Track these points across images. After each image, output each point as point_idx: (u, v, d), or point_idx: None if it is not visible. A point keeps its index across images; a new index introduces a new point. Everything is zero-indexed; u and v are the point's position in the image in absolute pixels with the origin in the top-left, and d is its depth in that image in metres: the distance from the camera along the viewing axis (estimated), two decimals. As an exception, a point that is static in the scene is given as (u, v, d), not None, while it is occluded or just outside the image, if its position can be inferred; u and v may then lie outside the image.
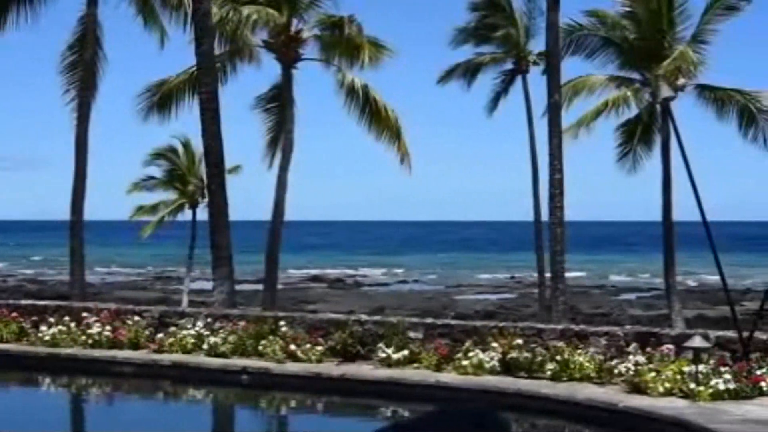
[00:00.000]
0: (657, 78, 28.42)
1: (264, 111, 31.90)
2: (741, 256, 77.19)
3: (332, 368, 16.27)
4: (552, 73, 25.86)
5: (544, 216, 28.37)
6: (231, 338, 17.69)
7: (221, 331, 18.07)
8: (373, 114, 30.85)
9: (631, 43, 30.58)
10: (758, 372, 13.41)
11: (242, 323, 18.21)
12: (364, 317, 18.58)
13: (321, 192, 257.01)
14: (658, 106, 29.30)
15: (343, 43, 29.52)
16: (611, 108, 31.31)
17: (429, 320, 18.24)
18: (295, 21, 29.66)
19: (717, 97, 30.56)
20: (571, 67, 32.75)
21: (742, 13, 30.37)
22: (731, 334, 14.92)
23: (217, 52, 26.52)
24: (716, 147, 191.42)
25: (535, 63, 35.58)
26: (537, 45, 34.65)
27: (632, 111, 31.30)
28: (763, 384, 13.14)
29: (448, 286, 70.64)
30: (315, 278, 74.20)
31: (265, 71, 30.98)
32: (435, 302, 56.66)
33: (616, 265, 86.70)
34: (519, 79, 36.43)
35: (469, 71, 36.84)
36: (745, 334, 14.51)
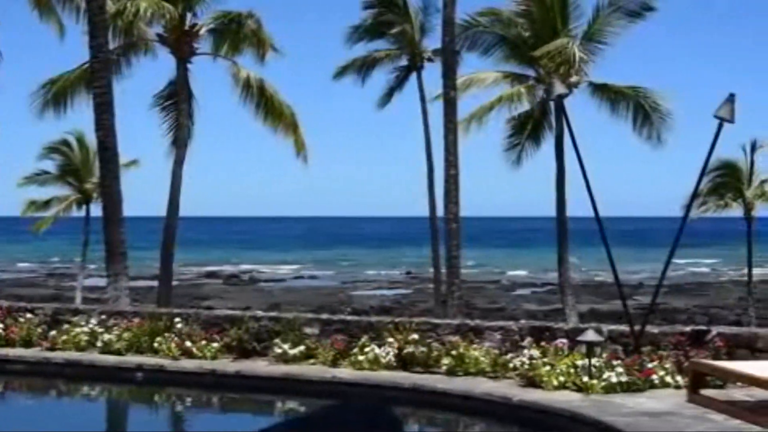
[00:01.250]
0: (549, 75, 28.75)
1: (163, 106, 31.56)
2: (634, 251, 78.38)
3: (228, 365, 16.18)
4: (447, 69, 25.99)
5: (440, 212, 28.51)
6: (125, 335, 17.49)
7: (115, 328, 17.85)
8: (269, 108, 30.74)
9: (526, 41, 30.87)
10: (649, 365, 13.62)
11: (137, 320, 17.99)
12: (260, 313, 18.49)
13: (219, 188, 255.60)
14: (551, 103, 29.62)
15: (239, 38, 29.37)
16: (504, 103, 31.58)
17: (325, 316, 18.22)
18: (189, 15, 29.43)
19: (611, 95, 30.99)
20: (468, 64, 33.00)
21: (645, 18, 30.83)
22: (623, 328, 15.14)
23: (112, 45, 26.23)
24: (610, 143, 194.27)
25: (429, 59, 35.75)
26: (432, 42, 34.84)
27: (525, 107, 31.62)
28: (654, 377, 13.35)
29: (344, 282, 70.72)
30: (210, 274, 73.79)
31: (169, 66, 30.65)
32: (331, 298, 56.70)
33: (511, 260, 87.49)
34: (414, 76, 36.59)
35: (364, 67, 36.89)
36: (637, 328, 14.73)
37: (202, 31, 29.56)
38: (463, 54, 31.87)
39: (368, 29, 36.29)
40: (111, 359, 16.94)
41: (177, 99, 30.23)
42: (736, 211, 40.86)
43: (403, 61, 36.85)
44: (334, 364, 15.69)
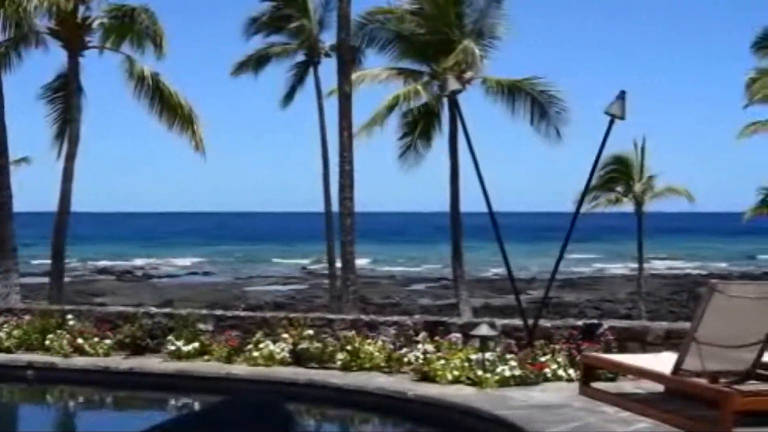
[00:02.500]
0: (444, 71, 28.91)
1: (50, 98, 31.03)
2: (527, 246, 79.15)
3: (121, 362, 16.01)
4: (342, 65, 26.00)
5: (335, 207, 28.52)
6: (16, 333, 17.20)
7: (5, 325, 17.54)
8: (165, 103, 30.41)
9: (420, 37, 31.03)
10: (542, 359, 13.77)
11: (27, 317, 17.73)
12: (153, 309, 18.35)
13: (118, 183, 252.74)
14: (445, 99, 29.81)
15: (132, 32, 29.02)
16: (403, 102, 31.70)
17: (219, 312, 18.14)
18: (82, 8, 28.99)
19: (507, 90, 31.26)
20: (373, 62, 33.06)
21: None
22: (517, 322, 15.30)
23: (1, 38, 25.77)
24: (505, 139, 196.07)
25: (327, 55, 35.74)
26: (331, 37, 34.85)
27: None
28: (547, 370, 13.50)
29: (239, 278, 70.38)
30: (104, 270, 72.84)
31: (60, 59, 30.10)
32: (226, 294, 56.38)
33: (406, 255, 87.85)
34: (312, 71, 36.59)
35: (261, 62, 36.79)
36: (530, 322, 14.90)
37: (95, 24, 29.13)
38: (365, 51, 32.06)
39: (265, 23, 36.21)
40: (0, 357, 16.65)
41: (67, 93, 29.76)
42: (627, 206, 41.59)
43: (301, 57, 36.83)
44: (229, 360, 15.62)
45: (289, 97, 37.73)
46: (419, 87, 31.27)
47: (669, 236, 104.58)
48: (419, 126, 31.90)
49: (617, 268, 77.83)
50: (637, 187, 41.09)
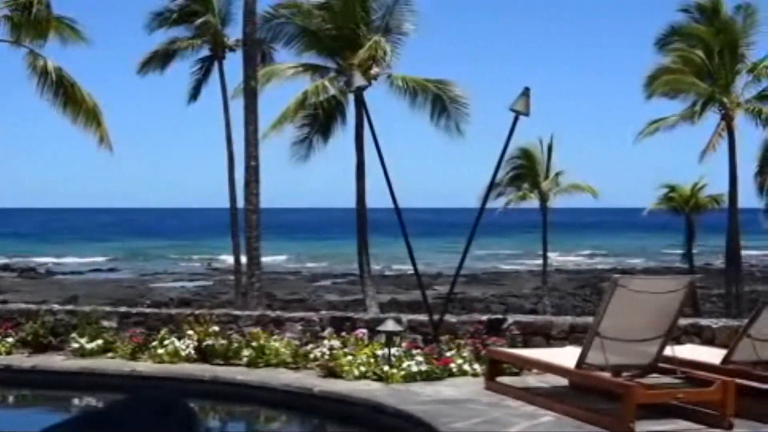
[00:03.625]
0: (351, 67, 28.93)
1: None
2: (434, 242, 79.51)
3: (23, 360, 15.76)
4: (248, 60, 25.88)
5: (241, 203, 28.39)
6: None
7: None
8: (69, 98, 29.98)
9: (327, 32, 31.00)
10: (447, 354, 13.83)
11: (-75, 315, 17.40)
12: (56, 307, 18.10)
13: (21, 178, 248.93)
14: (349, 95, 29.84)
15: (32, 24, 28.56)
16: (311, 97, 31.63)
17: (123, 309, 17.97)
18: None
19: (411, 87, 31.34)
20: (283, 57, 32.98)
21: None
22: (423, 317, 15.35)
23: None
24: (415, 135, 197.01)
25: (231, 49, 35.57)
26: (236, 31, 34.69)
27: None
28: (452, 365, 13.56)
29: (143, 274, 69.75)
30: (4, 267, 71.69)
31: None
32: (130, 291, 55.89)
33: (312, 251, 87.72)
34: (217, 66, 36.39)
35: (166, 57, 36.51)
36: (436, 317, 14.96)
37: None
38: (275, 47, 31.97)
39: (168, 18, 35.94)
40: None
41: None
42: (533, 202, 42.02)
43: (206, 52, 36.61)
44: (134, 357, 15.47)
45: (194, 92, 37.50)
46: (326, 83, 31.23)
47: (574, 232, 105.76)
48: (319, 120, 31.89)
49: (523, 264, 78.52)
50: (543, 183, 41.54)
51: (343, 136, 31.74)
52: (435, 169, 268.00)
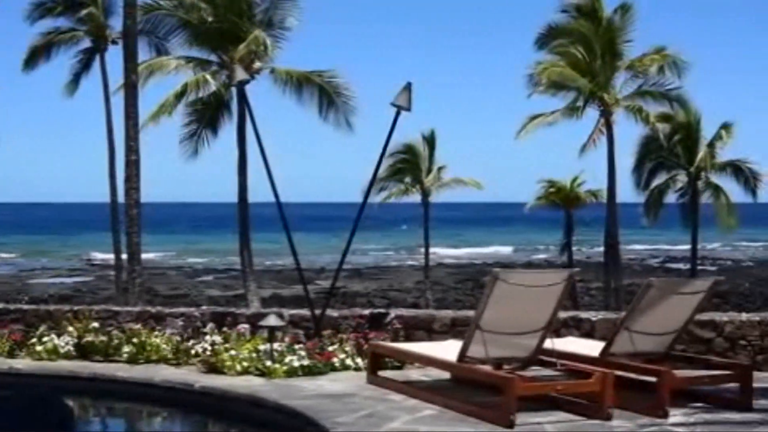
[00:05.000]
0: (232, 61, 28.78)
1: None
2: (317, 236, 79.51)
3: None
4: (129, 53, 25.55)
5: (122, 197, 28.06)
6: None
7: None
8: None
9: (209, 26, 30.80)
10: (330, 348, 13.82)
11: None
12: (-72, 304, 17.68)
13: None
14: (233, 89, 29.69)
15: None
16: (192, 90, 31.42)
17: (1, 305, 17.62)
18: None
19: (295, 80, 31.29)
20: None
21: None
22: (305, 312, 15.32)
23: None
24: (300, 129, 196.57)
25: (113, 42, 35.15)
26: (117, 23, 34.26)
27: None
28: (335, 360, 13.55)
29: (22, 270, 68.57)
30: None
31: None
32: (8, 287, 54.94)
33: (193, 245, 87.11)
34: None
35: (48, 49, 35.99)
36: (318, 312, 14.94)
37: None
38: (161, 39, 31.64)
39: (50, 8, 35.42)
40: None
41: None
42: (416, 196, 42.29)
43: (88, 43, 36.14)
44: (11, 354, 15.15)
45: (73, 85, 36.96)
46: (208, 76, 31.03)
47: (456, 226, 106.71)
48: (206, 115, 31.67)
49: (405, 258, 78.92)
50: (425, 177, 41.81)
51: (231, 131, 31.58)
52: (325, 163, 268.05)
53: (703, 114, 41.69)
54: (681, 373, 11.25)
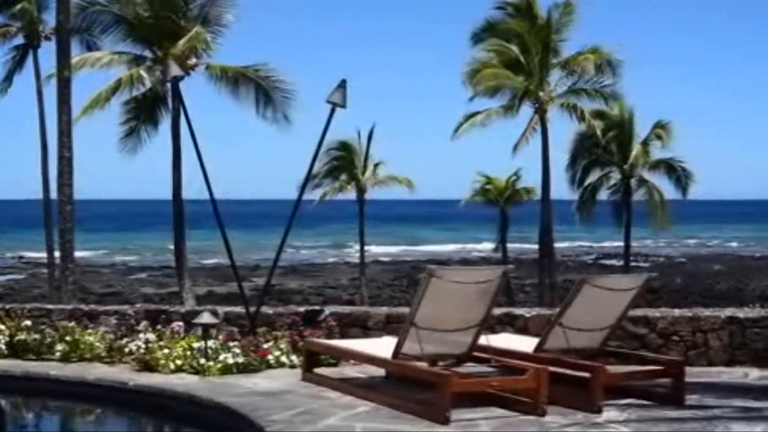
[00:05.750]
0: (167, 57, 28.62)
1: None
2: (253, 233, 79.28)
3: None
4: (62, 48, 25.30)
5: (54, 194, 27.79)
6: None
7: None
8: None
9: (144, 21, 30.62)
10: (265, 346, 13.79)
11: None
12: None
13: None
14: (168, 85, 29.52)
15: None
16: (126, 86, 31.24)
17: (-70, 304, 17.41)
18: None
19: (231, 76, 31.19)
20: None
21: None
22: (239, 309, 15.27)
23: None
24: (232, 125, 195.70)
25: (47, 38, 34.81)
26: (52, 18, 33.89)
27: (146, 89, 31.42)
28: (270, 357, 13.52)
29: (-49, 269, 67.75)
30: None
31: None
32: (-63, 285, 54.25)
33: (128, 243, 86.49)
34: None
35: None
36: (253, 309, 14.90)
37: None
38: (94, 35, 31.39)
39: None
40: None
41: None
42: (352, 193, 42.31)
43: (21, 39, 35.77)
44: (-59, 354, 14.99)
45: (6, 81, 36.55)
46: (142, 72, 30.85)
47: (392, 223, 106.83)
48: (143, 111, 31.49)
49: (340, 255, 78.92)
50: (361, 175, 41.83)
51: (167, 127, 31.40)
52: (263, 159, 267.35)
53: (636, 112, 42.10)
54: (614, 368, 11.36)
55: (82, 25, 31.44)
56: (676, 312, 14.42)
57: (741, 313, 14.35)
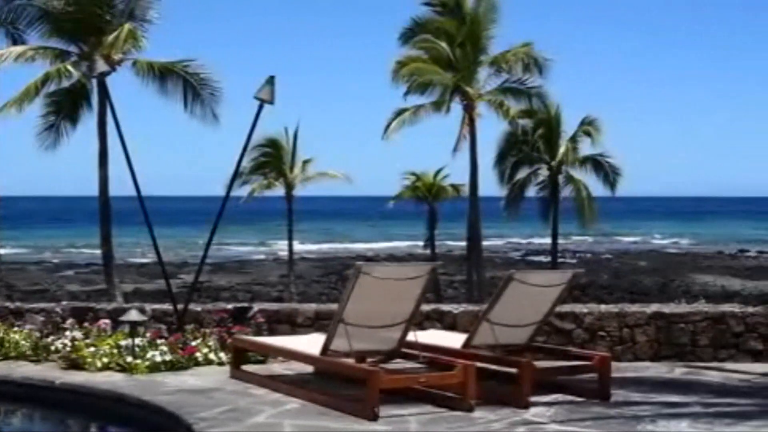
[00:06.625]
0: (93, 52, 28.37)
1: None
2: (181, 230, 78.81)
3: None
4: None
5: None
6: None
7: None
8: None
9: (70, 16, 30.31)
10: (193, 343, 13.72)
11: None
12: None
13: None
14: (94, 80, 29.28)
15: None
16: (53, 81, 30.90)
17: None
18: None
19: (157, 71, 30.95)
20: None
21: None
22: (167, 306, 15.18)
23: None
24: (160, 121, 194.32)
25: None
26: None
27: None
28: (198, 354, 13.46)
29: None
30: None
31: None
32: None
33: (54, 240, 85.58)
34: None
35: None
36: (180, 306, 14.83)
37: None
38: (21, 29, 30.99)
39: None
40: None
41: None
42: (281, 190, 42.19)
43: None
44: None
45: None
46: (69, 66, 30.54)
47: (320, 220, 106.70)
48: (65, 107, 31.15)
49: (268, 252, 78.70)
50: (289, 171, 41.73)
51: (92, 123, 31.09)
52: (192, 156, 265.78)
53: (564, 109, 42.33)
54: (541, 364, 11.45)
55: (7, 18, 31.03)
56: (603, 308, 14.58)
57: (666, 308, 14.54)
